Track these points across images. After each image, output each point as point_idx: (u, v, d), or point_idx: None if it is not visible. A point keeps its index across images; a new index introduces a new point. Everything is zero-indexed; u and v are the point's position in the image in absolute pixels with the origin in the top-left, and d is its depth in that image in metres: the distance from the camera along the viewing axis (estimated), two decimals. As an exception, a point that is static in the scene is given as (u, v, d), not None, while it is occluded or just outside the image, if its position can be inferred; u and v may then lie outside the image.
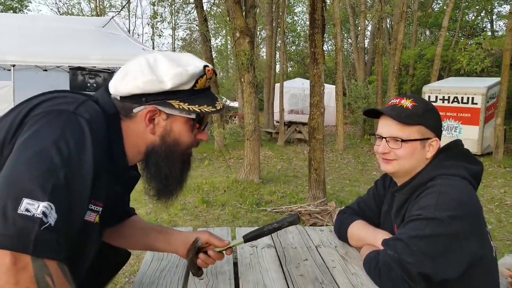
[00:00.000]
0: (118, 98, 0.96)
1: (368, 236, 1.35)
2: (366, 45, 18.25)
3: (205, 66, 0.97)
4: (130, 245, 1.27)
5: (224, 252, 1.16)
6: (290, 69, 28.01)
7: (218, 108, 1.00)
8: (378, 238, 1.27)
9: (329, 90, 14.45)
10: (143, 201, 5.06)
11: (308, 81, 5.26)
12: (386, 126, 1.26)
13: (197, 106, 0.96)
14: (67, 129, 0.82)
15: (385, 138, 1.25)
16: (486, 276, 1.18)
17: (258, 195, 5.42)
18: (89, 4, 23.50)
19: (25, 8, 22.60)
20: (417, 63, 16.32)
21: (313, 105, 4.67)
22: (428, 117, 1.24)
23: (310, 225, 3.97)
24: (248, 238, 1.14)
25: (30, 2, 26.77)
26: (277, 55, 17.10)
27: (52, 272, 0.73)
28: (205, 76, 0.97)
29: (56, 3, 25.45)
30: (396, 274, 1.07)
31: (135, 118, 0.97)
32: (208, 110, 0.97)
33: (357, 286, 1.18)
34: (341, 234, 1.52)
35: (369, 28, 18.34)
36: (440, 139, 1.27)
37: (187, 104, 0.95)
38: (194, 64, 0.96)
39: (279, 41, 15.75)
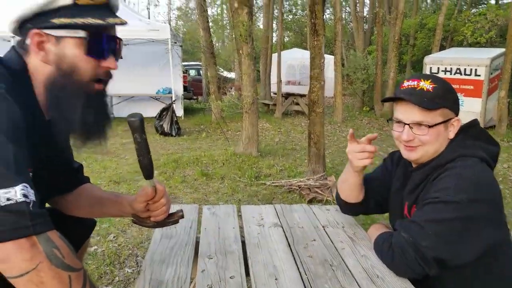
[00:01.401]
0: (17, 41, 0.92)
1: None
2: (365, 14, 17.82)
3: None
4: (87, 214, 1.26)
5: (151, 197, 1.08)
6: (287, 39, 27.46)
7: (111, 22, 0.91)
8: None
9: (327, 61, 14.16)
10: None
11: (306, 52, 5.12)
12: (407, 113, 1.18)
13: (80, 18, 0.89)
14: None
15: (408, 124, 1.18)
16: (507, 261, 1.16)
17: (257, 168, 5.40)
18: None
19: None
20: (418, 33, 15.99)
21: (313, 78, 4.58)
22: (448, 98, 1.19)
23: (310, 200, 3.98)
24: (148, 175, 1.04)
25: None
26: (274, 25, 16.70)
27: (58, 245, 0.75)
28: None
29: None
30: (411, 257, 1.05)
31: (30, 51, 0.91)
32: (93, 22, 0.89)
33: (368, 269, 1.16)
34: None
35: (369, -4, 17.84)
36: (458, 115, 1.23)
37: (69, 18, 0.88)
38: None
39: (276, 10, 15.32)
